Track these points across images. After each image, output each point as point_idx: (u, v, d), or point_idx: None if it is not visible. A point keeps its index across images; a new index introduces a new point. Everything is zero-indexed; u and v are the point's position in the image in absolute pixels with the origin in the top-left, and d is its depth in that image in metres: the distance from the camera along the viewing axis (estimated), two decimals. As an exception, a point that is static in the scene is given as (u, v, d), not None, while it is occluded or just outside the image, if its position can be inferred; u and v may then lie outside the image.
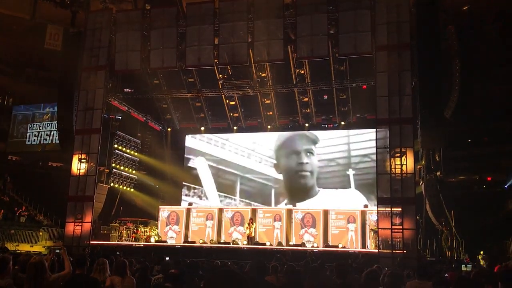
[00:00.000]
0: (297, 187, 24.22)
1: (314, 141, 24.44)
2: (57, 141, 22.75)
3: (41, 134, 29.83)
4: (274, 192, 24.43)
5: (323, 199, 23.17)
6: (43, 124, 29.85)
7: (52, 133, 28.81)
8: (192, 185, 25.68)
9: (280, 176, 24.60)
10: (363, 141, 23.49)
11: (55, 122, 25.92)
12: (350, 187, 23.33)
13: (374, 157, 22.24)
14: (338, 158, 24.06)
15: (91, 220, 18.62)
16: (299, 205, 23.13)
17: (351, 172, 23.30)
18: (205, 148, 26.08)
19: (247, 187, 24.91)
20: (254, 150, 25.27)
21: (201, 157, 25.59)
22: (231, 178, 25.12)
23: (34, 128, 29.87)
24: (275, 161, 24.83)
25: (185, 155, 26.27)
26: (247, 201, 24.52)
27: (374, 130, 20.35)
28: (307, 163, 24.12)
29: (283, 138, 25.23)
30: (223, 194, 25.10)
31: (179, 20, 19.47)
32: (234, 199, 24.84)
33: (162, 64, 19.84)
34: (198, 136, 26.31)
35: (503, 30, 20.23)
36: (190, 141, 26.52)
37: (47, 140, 29.37)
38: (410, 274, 8.43)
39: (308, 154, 24.28)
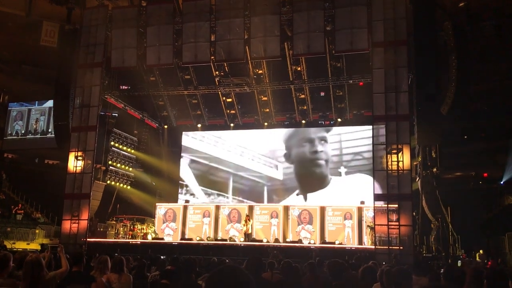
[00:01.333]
0: (311, 177, 23.66)
1: (328, 129, 24.13)
2: (53, 138, 22.65)
3: (37, 131, 29.70)
4: (267, 190, 24.36)
5: (336, 188, 22.77)
6: (38, 121, 29.71)
7: (48, 130, 28.67)
8: (185, 183, 25.65)
9: (273, 174, 24.47)
10: (354, 139, 23.49)
11: (51, 118, 25.84)
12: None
13: (365, 155, 22.78)
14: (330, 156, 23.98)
15: (88, 218, 18.61)
16: (311, 196, 22.94)
17: (343, 170, 23.29)
18: (198, 146, 26.04)
19: (240, 185, 24.83)
20: (247, 148, 25.21)
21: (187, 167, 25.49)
22: (224, 176, 25.07)
23: (29, 125, 29.73)
24: (285, 151, 24.44)
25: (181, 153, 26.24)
26: (239, 198, 24.45)
27: (366, 127, 20.66)
28: (321, 151, 23.58)
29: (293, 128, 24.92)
30: (216, 192, 25.03)
31: (175, 17, 19.42)
32: (227, 197, 24.81)
33: (158, 61, 19.78)
34: (190, 133, 26.27)
35: (499, 27, 20.24)
36: (184, 139, 26.47)
37: (44, 140, 29.19)
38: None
39: (322, 142, 23.79)
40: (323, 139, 23.88)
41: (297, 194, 23.61)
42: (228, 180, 25.00)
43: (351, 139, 23.71)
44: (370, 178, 22.23)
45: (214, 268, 2.21)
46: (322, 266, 7.46)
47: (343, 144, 23.95)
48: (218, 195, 24.96)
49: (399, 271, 4.89)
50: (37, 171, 28.77)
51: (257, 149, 25.10)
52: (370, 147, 22.06)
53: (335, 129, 24.11)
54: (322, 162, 23.52)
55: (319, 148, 23.70)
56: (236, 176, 24.90)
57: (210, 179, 25.32)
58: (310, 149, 23.85)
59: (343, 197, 21.89)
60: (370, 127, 22.22)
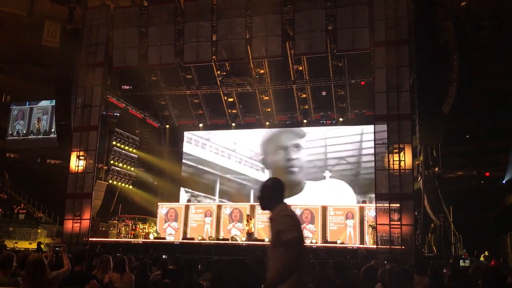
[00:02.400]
0: (285, 184, 23.76)
1: (301, 135, 24.35)
2: (55, 138, 22.69)
3: (39, 131, 29.69)
4: (254, 192, 24.29)
5: (310, 193, 23.11)
6: (40, 120, 29.70)
7: (51, 129, 28.67)
8: (187, 189, 25.68)
9: (260, 176, 24.40)
10: (339, 144, 23.61)
11: (53, 117, 25.87)
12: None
13: (350, 159, 23.30)
14: (315, 160, 24.04)
15: (90, 217, 18.63)
16: (286, 201, 23.05)
17: (327, 174, 23.32)
18: (186, 147, 26.07)
19: (227, 188, 24.79)
20: (234, 151, 25.20)
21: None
22: (211, 178, 25.03)
23: (31, 124, 29.73)
24: (262, 157, 24.70)
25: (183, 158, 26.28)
26: (225, 201, 24.36)
27: (352, 132, 20.86)
28: (295, 158, 23.95)
29: (270, 133, 25.14)
30: (203, 194, 25.04)
31: (176, 17, 19.41)
32: (214, 199, 24.79)
33: (160, 60, 19.80)
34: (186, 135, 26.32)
35: (500, 27, 20.21)
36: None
37: (46, 140, 29.19)
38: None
39: (295, 149, 24.11)
40: (297, 147, 24.22)
41: None
42: (215, 182, 24.98)
43: (336, 144, 23.77)
44: (341, 183, 23.08)
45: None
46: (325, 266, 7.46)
47: (328, 149, 23.99)
48: (205, 197, 24.96)
49: (400, 271, 4.91)
50: (39, 171, 28.81)
51: (244, 151, 25.08)
52: (355, 152, 22.53)
53: (321, 134, 24.21)
54: (296, 169, 23.92)
55: (293, 155, 24.06)
56: (223, 178, 24.85)
57: (197, 181, 25.33)
58: (284, 157, 24.23)
59: (315, 201, 21.97)
60: (356, 131, 22.93)
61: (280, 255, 3.55)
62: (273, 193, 4.00)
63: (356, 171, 22.59)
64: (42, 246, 20.18)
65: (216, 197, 24.82)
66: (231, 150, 25.29)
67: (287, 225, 3.61)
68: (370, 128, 18.57)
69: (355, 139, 23.37)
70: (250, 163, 24.83)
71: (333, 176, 23.25)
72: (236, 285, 2.03)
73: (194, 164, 25.53)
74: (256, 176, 24.52)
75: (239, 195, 24.31)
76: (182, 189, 25.66)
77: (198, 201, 24.73)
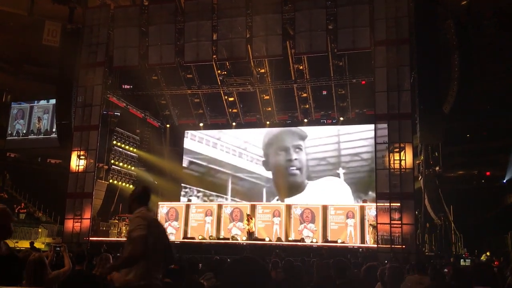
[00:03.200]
0: (286, 184, 24.11)
1: (303, 137, 24.34)
2: (56, 138, 22.69)
3: (40, 131, 29.67)
4: (266, 191, 24.34)
5: (311, 191, 23.23)
6: (41, 120, 29.67)
7: (52, 129, 28.64)
8: (188, 186, 25.67)
9: (272, 175, 24.53)
10: (353, 140, 23.55)
11: (53, 116, 25.85)
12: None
13: (364, 156, 23.05)
14: (328, 157, 23.99)
15: (90, 217, 18.64)
16: (287, 200, 23.21)
17: (341, 171, 23.29)
18: (197, 147, 26.02)
19: (239, 186, 24.79)
20: (245, 149, 25.19)
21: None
22: (222, 177, 25.00)
23: (31, 124, 29.70)
24: (263, 159, 24.78)
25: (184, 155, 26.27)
26: (238, 200, 24.37)
27: (365, 128, 20.72)
28: (296, 159, 23.98)
29: (271, 135, 25.13)
30: (215, 194, 25.02)
31: (177, 16, 19.41)
32: (226, 198, 24.79)
33: (160, 60, 19.81)
34: (189, 135, 26.28)
35: (500, 26, 20.19)
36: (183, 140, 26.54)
37: (46, 140, 29.18)
38: (410, 269, 8.47)
39: (297, 150, 24.16)
40: (298, 147, 24.20)
41: (277, 200, 23.89)
42: (227, 181, 24.98)
43: (349, 140, 23.72)
44: (339, 181, 23.06)
45: (217, 267, 2.24)
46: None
47: (342, 145, 23.93)
48: (217, 196, 24.95)
49: (394, 270, 4.92)
50: (39, 170, 28.82)
51: (255, 150, 25.08)
52: (369, 148, 22.42)
53: (334, 130, 24.12)
54: (297, 170, 23.93)
55: (294, 156, 24.03)
56: (235, 177, 24.84)
57: (209, 180, 25.29)
58: (285, 158, 24.21)
59: (316, 199, 22.07)
60: (369, 127, 22.50)
61: (127, 249, 4.33)
62: (138, 198, 4.61)
63: (371, 167, 22.57)
64: (43, 246, 20.17)
65: (229, 196, 24.81)
66: (242, 148, 25.30)
67: (136, 225, 4.30)
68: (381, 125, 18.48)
69: (369, 135, 23.29)
70: (261, 161, 24.89)
71: (346, 173, 23.21)
72: (247, 284, 2.05)
73: (205, 164, 25.49)
74: (268, 175, 24.54)
75: (251, 193, 24.32)
76: (191, 189, 25.63)
77: (211, 201, 24.75)
